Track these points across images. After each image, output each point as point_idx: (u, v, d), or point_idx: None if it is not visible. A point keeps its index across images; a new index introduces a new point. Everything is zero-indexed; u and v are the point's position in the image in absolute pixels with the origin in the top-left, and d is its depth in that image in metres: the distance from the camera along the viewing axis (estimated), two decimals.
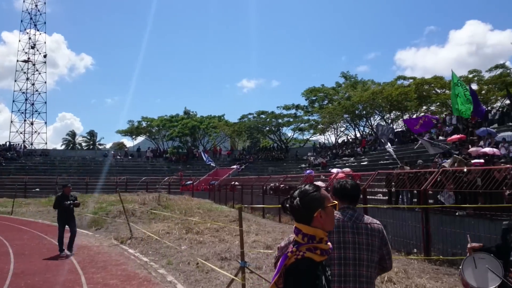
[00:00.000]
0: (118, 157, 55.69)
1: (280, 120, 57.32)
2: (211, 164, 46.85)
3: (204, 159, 47.33)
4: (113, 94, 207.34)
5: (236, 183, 30.15)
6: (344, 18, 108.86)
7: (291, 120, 57.05)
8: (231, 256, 9.86)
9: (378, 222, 3.20)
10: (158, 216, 17.52)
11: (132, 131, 64.76)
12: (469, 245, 4.08)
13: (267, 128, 59.21)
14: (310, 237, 2.07)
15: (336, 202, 2.24)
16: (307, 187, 2.23)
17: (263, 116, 58.04)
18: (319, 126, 54.85)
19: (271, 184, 24.52)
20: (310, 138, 62.67)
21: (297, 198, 2.18)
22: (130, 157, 56.06)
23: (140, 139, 70.55)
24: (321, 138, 61.90)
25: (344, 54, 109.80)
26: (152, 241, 12.54)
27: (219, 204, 25.94)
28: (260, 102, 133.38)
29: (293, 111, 57.64)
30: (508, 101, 27.66)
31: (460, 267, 3.94)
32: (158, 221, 16.67)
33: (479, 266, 3.82)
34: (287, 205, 2.22)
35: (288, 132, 61.76)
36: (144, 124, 64.90)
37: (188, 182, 38.80)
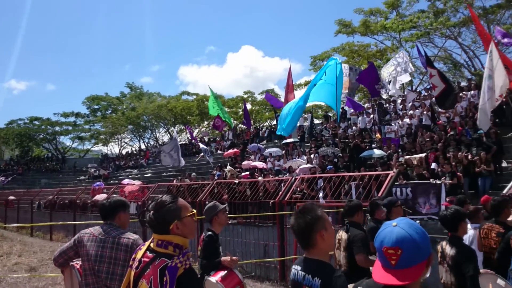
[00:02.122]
0: None
1: (57, 128, 52.51)
2: None
3: None
4: None
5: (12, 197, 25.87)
6: (129, 28, 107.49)
7: (70, 128, 52.93)
8: None
9: (131, 237, 3.30)
10: None
11: None
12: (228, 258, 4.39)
13: (41, 136, 53.40)
14: (179, 246, 2.11)
15: (195, 211, 2.24)
16: (164, 198, 2.17)
17: (37, 122, 52.20)
18: (102, 136, 52.42)
19: (46, 199, 22.09)
20: (92, 149, 59.23)
21: (152, 211, 2.13)
22: None
23: None
24: (104, 149, 59.17)
25: (127, 63, 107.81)
26: None
27: None
28: (33, 107, 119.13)
29: (72, 119, 53.70)
30: (274, 122, 31.82)
31: None
32: None
33: None
34: (144, 219, 2.17)
35: (66, 141, 56.98)
36: None
37: None
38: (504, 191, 10.23)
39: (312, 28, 73.43)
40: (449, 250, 3.92)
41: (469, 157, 12.37)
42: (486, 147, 12.49)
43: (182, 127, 47.40)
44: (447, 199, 9.80)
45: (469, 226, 5.06)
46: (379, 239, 1.81)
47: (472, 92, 16.97)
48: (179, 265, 2.06)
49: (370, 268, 4.37)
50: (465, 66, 30.56)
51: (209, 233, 4.61)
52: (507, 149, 14.08)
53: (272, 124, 35.17)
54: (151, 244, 2.20)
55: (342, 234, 4.79)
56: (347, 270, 4.61)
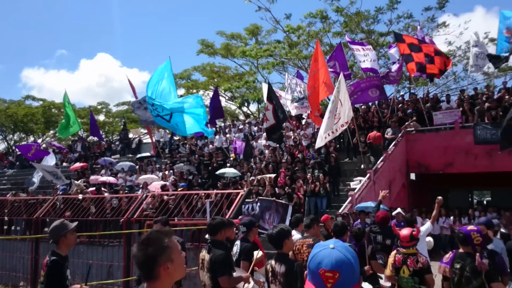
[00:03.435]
0: None
1: None
2: None
3: None
4: None
5: None
6: None
7: None
8: None
9: None
10: None
11: None
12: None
13: None
14: None
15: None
16: None
17: None
18: None
19: None
20: None
21: None
22: None
23: None
24: None
25: None
26: None
27: None
28: None
29: None
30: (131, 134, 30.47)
31: None
32: None
33: None
34: None
35: None
36: None
37: None
38: (340, 211, 11.31)
39: (174, 44, 73.17)
40: (279, 268, 4.04)
41: (312, 179, 13.43)
42: (324, 170, 13.71)
43: (23, 135, 42.52)
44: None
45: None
46: (316, 261, 1.76)
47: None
48: None
49: None
50: None
51: (54, 257, 4.01)
52: (343, 173, 15.71)
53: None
54: None
55: (205, 255, 4.62)
56: None
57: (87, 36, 76.87)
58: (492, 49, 18.49)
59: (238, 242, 5.28)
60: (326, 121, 12.68)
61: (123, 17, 76.03)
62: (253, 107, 33.78)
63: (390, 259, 4.97)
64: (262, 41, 32.37)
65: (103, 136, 35.40)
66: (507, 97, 15.23)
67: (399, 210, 10.93)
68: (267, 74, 31.38)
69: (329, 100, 13.77)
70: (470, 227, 4.44)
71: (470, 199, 19.91)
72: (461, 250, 4.39)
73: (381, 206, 8.43)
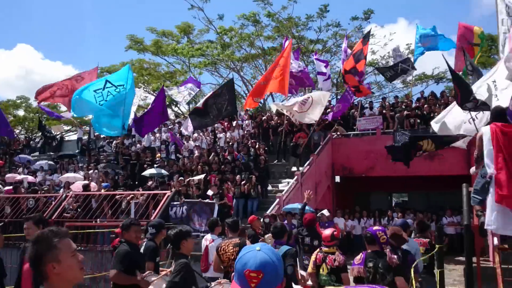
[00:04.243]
0: None
1: None
2: None
3: None
4: None
5: None
6: None
7: None
8: None
9: None
10: None
11: None
12: None
13: None
14: None
15: None
16: None
17: None
18: None
19: None
20: None
21: None
22: None
23: None
24: None
25: None
26: None
27: None
28: None
29: None
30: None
31: None
32: None
33: None
34: None
35: None
36: None
37: None
38: (268, 212, 11.46)
39: (101, 37, 69.78)
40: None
41: (242, 181, 13.49)
42: (252, 172, 13.84)
43: None
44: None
45: None
46: (242, 262, 1.85)
47: (246, 121, 18.79)
48: None
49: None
50: (244, 97, 33.78)
51: None
52: (272, 175, 15.97)
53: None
54: None
55: None
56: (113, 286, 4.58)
57: (5, 25, 71.47)
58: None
59: (143, 244, 5.24)
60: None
61: (46, 6, 71.55)
62: (184, 107, 33.32)
63: (312, 257, 5.18)
64: (194, 40, 32.06)
65: (20, 132, 33.17)
66: (426, 106, 16.27)
67: (324, 211, 11.29)
68: (198, 75, 31.13)
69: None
70: (376, 228, 4.84)
71: (389, 201, 21.09)
72: (369, 250, 4.64)
73: (306, 207, 8.64)
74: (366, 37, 16.68)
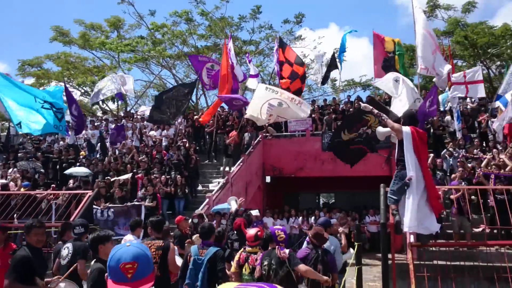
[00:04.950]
0: None
1: None
2: None
3: None
4: None
5: None
6: None
7: None
8: None
9: None
10: None
11: None
12: None
13: None
14: None
15: None
16: None
17: None
18: None
19: None
20: None
21: None
22: None
23: None
24: None
25: None
26: None
27: None
28: None
29: None
30: None
31: None
32: None
33: None
34: None
35: None
36: None
37: None
38: (196, 212, 11.32)
39: (23, 28, 65.08)
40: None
41: (169, 180, 13.25)
42: (181, 171, 13.65)
43: None
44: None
45: None
46: (116, 257, 2.05)
47: (179, 120, 18.47)
48: None
49: None
50: None
51: None
52: (203, 174, 15.83)
53: None
54: None
55: None
56: None
57: None
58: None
59: (69, 244, 5.01)
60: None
61: None
62: (114, 104, 32.08)
63: (236, 257, 5.18)
64: (124, 35, 30.98)
65: None
66: (351, 110, 16.95)
67: (252, 211, 11.35)
68: (127, 71, 30.06)
69: None
70: (276, 227, 5.11)
71: (317, 201, 21.73)
72: (270, 248, 4.83)
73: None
74: (282, 44, 17.16)
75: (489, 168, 10.87)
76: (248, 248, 5.15)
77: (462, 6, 26.08)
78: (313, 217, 15.44)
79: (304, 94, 30.91)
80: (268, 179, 18.12)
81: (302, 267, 4.52)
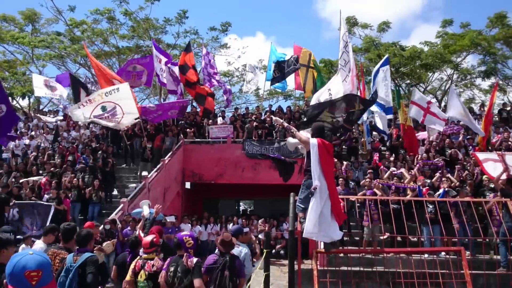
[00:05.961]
0: None
1: None
2: None
3: None
4: None
5: None
6: None
7: None
8: None
9: None
10: None
11: None
12: None
13: None
14: None
15: None
16: None
17: None
18: None
19: None
20: None
21: None
22: None
23: None
24: None
25: None
26: None
27: None
28: None
29: None
30: None
31: None
32: None
33: None
34: None
35: None
36: None
37: None
38: (110, 217, 10.92)
39: None
40: None
41: (81, 183, 12.68)
42: (96, 175, 13.12)
43: None
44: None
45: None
46: (19, 266, 2.09)
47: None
48: None
49: None
50: None
51: None
52: (120, 179, 15.32)
53: None
54: None
55: None
56: None
57: None
58: (263, 76, 20.93)
59: None
60: None
61: None
62: (25, 101, 30.02)
63: (132, 265, 5.08)
64: (40, 29, 29.15)
65: None
66: (268, 119, 17.30)
67: (169, 218, 11.20)
68: (41, 67, 28.29)
69: None
70: (184, 233, 5.05)
71: (237, 207, 21.88)
72: (177, 255, 4.81)
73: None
74: (188, 49, 17.24)
75: (389, 180, 11.59)
76: (144, 255, 5.08)
77: (377, 26, 27.80)
78: (231, 224, 15.54)
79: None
80: (188, 185, 17.97)
81: (197, 282, 4.48)
